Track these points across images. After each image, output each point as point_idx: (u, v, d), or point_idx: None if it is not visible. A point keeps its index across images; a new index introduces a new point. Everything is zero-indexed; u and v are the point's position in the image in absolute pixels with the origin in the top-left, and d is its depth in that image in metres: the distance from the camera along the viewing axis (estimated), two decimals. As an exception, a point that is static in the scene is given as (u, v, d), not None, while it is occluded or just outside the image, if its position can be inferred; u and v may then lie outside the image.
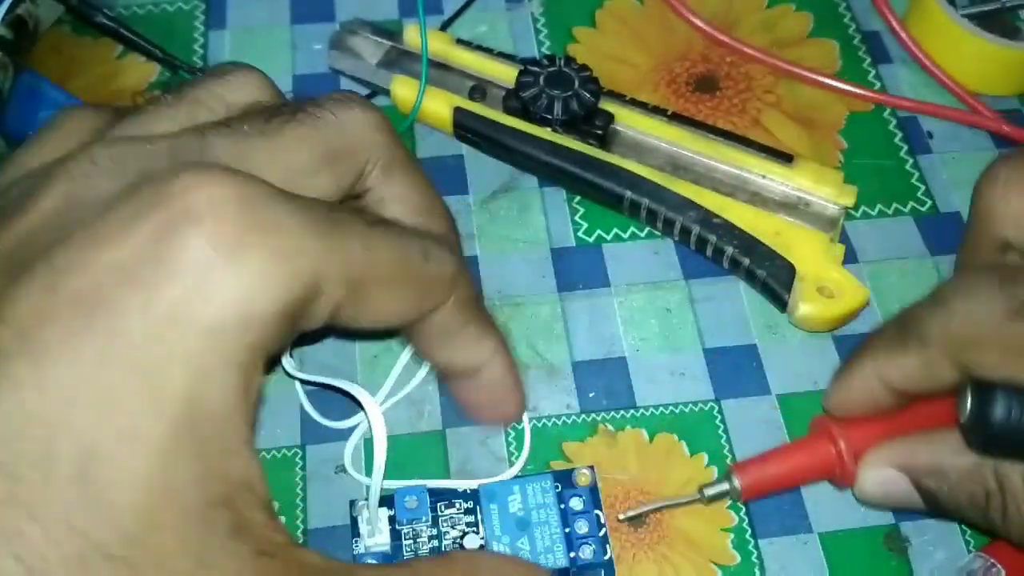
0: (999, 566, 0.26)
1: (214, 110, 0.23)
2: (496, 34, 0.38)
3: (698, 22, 0.38)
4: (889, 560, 0.27)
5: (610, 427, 0.29)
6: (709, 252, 0.32)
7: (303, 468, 0.28)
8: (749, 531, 0.27)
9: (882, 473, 0.25)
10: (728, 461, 0.28)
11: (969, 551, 0.27)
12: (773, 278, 0.30)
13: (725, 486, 0.26)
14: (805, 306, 0.30)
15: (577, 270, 0.32)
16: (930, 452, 0.25)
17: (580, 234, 0.33)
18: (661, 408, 0.29)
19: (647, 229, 0.33)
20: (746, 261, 0.31)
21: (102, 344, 0.17)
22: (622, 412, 0.29)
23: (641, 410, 0.29)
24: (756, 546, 0.27)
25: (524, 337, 0.31)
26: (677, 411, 0.29)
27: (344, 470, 0.28)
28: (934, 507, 0.25)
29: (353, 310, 0.21)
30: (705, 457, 0.29)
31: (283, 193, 0.20)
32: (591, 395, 0.30)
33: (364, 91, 0.36)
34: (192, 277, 0.18)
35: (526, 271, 0.32)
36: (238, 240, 0.18)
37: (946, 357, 0.23)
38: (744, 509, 0.28)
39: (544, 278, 0.32)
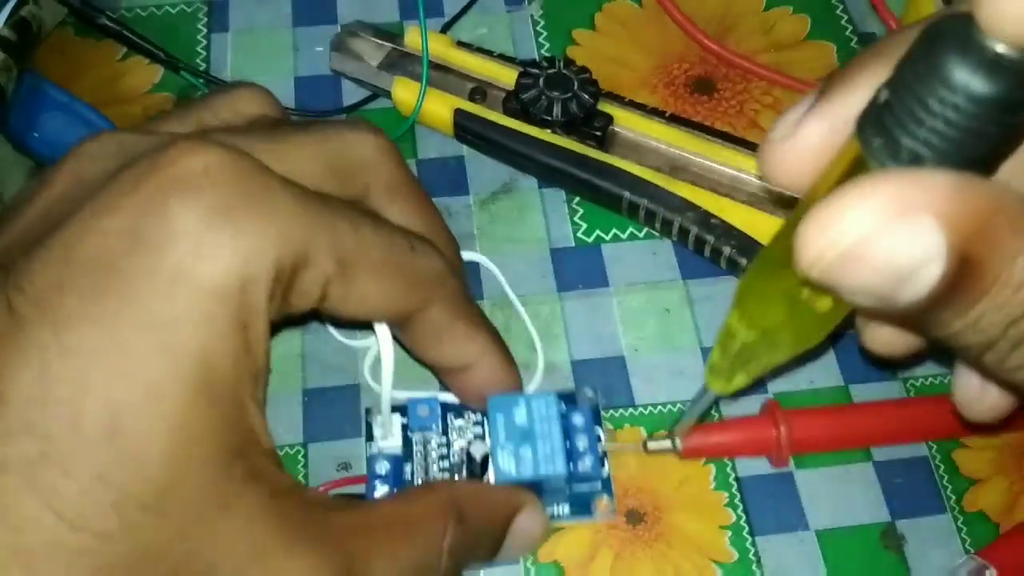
0: (991, 568, 0.26)
1: (221, 115, 0.24)
2: (496, 36, 0.38)
3: (698, 35, 0.38)
4: (885, 558, 0.27)
5: (609, 425, 0.29)
6: (707, 252, 0.32)
7: (305, 466, 0.28)
8: (747, 528, 0.28)
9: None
10: (726, 460, 0.29)
11: (966, 550, 0.27)
12: (771, 278, 0.31)
13: (667, 444, 0.28)
14: (802, 306, 0.30)
15: (576, 270, 0.32)
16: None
17: (579, 234, 0.33)
18: (659, 407, 0.30)
19: (646, 230, 0.33)
20: (744, 261, 0.31)
21: (116, 306, 0.18)
22: (621, 411, 0.30)
23: (640, 409, 0.30)
24: (753, 543, 0.27)
25: (524, 337, 0.31)
26: (675, 410, 0.30)
27: (348, 468, 0.28)
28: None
29: (342, 291, 0.22)
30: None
31: (273, 171, 0.21)
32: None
33: (365, 93, 0.36)
34: (192, 239, 0.19)
35: (526, 271, 0.32)
36: (233, 205, 0.19)
37: None
38: (742, 507, 0.28)
39: (544, 278, 0.32)
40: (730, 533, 0.27)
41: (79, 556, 0.18)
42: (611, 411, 0.29)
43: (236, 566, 0.19)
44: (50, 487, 0.17)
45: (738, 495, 0.28)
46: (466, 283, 0.26)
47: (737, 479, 0.28)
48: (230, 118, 0.24)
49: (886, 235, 0.14)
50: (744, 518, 0.28)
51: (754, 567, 0.27)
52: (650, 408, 0.30)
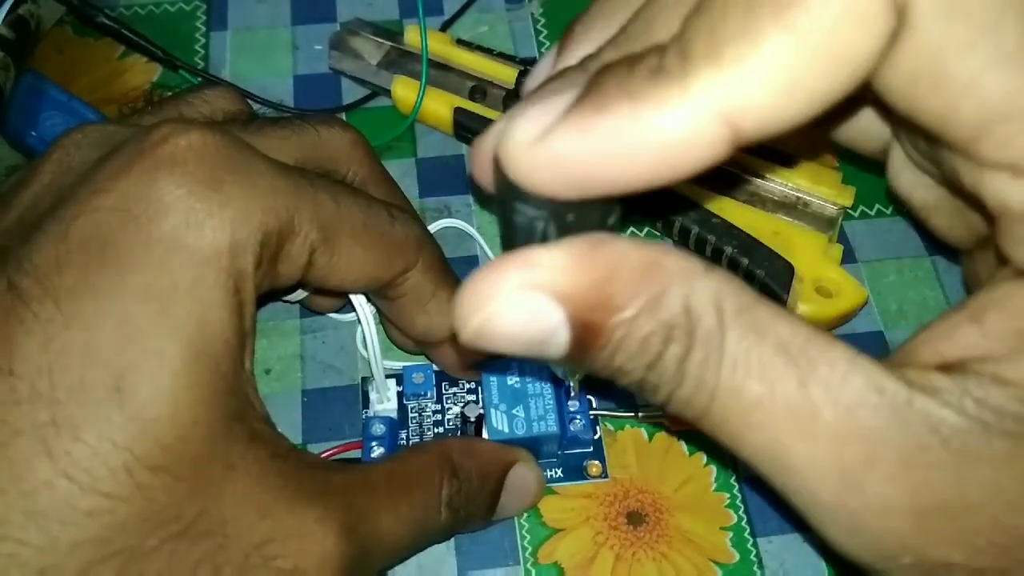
0: None
1: (199, 111, 0.25)
2: (496, 35, 0.38)
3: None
4: (887, 558, 0.27)
5: (610, 426, 0.29)
6: (708, 252, 0.32)
7: (304, 467, 0.28)
8: (748, 529, 0.27)
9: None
10: (726, 459, 0.29)
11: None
12: (772, 278, 0.31)
13: (659, 412, 0.29)
14: (804, 306, 0.30)
15: (577, 270, 0.32)
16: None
17: (580, 234, 0.33)
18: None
19: (646, 229, 0.33)
20: (745, 261, 0.31)
21: (115, 278, 0.19)
22: (621, 411, 0.29)
23: (641, 410, 0.29)
24: (755, 544, 0.27)
25: (524, 337, 0.31)
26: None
27: (345, 469, 0.28)
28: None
29: (327, 259, 0.22)
30: (703, 456, 0.29)
31: (253, 147, 0.21)
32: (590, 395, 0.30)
33: (364, 91, 0.36)
34: (182, 210, 0.20)
35: (526, 271, 0.32)
36: (218, 178, 0.20)
37: None
38: (743, 508, 0.28)
39: (544, 278, 0.32)
40: (731, 534, 0.27)
41: (92, 517, 0.18)
42: (612, 412, 0.29)
43: (245, 524, 0.20)
44: (62, 451, 0.18)
45: (739, 496, 0.28)
46: (438, 248, 0.26)
47: (739, 480, 0.28)
48: (208, 113, 0.25)
49: (510, 311, 0.16)
50: (746, 519, 0.28)
51: (755, 568, 0.27)
52: (651, 408, 0.29)
